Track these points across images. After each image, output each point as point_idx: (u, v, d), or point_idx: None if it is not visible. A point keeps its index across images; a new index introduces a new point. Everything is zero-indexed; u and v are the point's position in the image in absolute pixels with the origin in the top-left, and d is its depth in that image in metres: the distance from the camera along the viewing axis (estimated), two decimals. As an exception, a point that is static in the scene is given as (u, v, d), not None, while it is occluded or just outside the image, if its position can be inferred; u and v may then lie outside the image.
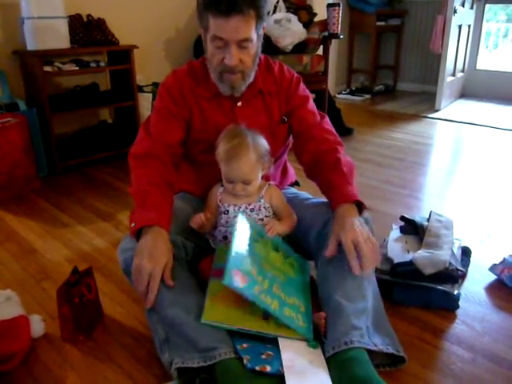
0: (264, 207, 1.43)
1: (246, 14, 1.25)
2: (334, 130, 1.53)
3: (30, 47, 2.71)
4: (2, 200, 2.48)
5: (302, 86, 1.54)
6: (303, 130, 1.50)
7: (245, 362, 1.14)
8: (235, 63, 1.31)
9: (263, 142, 1.38)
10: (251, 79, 1.41)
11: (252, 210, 1.41)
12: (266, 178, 1.52)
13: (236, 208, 1.41)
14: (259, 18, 1.30)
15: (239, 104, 1.45)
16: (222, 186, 1.45)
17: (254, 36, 1.31)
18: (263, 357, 1.16)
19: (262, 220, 1.42)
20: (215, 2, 1.24)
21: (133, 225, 1.29)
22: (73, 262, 1.82)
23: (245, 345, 1.20)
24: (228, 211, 1.42)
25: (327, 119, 1.55)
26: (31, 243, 2.05)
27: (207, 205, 1.46)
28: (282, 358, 1.14)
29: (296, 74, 1.54)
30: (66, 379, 1.28)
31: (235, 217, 1.40)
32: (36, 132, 2.75)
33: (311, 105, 1.54)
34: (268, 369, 1.12)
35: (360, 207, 1.35)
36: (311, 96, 1.57)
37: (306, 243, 1.44)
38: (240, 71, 1.35)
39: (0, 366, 1.27)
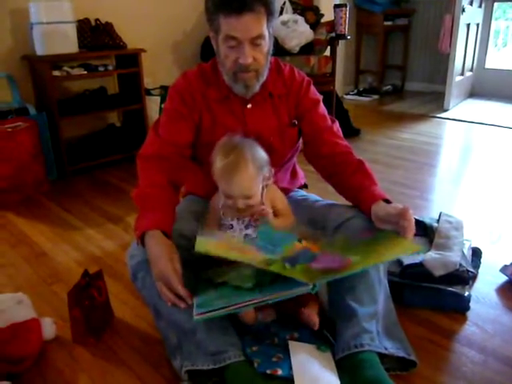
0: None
1: (257, 11, 1.25)
2: (342, 136, 1.53)
3: (39, 52, 2.74)
4: (13, 203, 2.50)
5: (313, 89, 1.53)
6: (314, 135, 1.49)
7: (255, 365, 1.14)
8: (250, 61, 1.30)
9: (261, 153, 1.32)
10: (264, 78, 1.40)
11: (257, 220, 1.37)
12: (274, 180, 1.51)
13: (240, 222, 1.36)
14: (270, 14, 1.30)
15: (249, 106, 1.45)
16: None
17: (265, 33, 1.31)
18: (274, 359, 1.16)
19: None
20: (226, 2, 1.24)
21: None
22: (83, 265, 1.83)
23: (254, 348, 1.20)
24: (232, 225, 1.36)
25: (337, 124, 1.54)
26: (41, 246, 2.06)
27: (210, 216, 1.41)
28: (292, 361, 1.14)
29: (307, 77, 1.53)
30: (77, 381, 1.29)
31: (241, 230, 1.35)
32: (45, 136, 2.77)
33: (322, 108, 1.53)
34: (279, 372, 1.12)
35: None
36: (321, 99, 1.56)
37: None
38: (254, 69, 1.34)
39: (12, 367, 1.29)
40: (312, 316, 1.25)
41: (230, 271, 1.25)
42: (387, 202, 1.33)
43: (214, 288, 1.20)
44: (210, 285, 1.22)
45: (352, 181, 1.40)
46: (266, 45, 1.34)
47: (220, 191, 1.34)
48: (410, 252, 1.14)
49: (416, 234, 1.78)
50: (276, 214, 1.38)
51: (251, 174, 1.27)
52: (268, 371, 1.12)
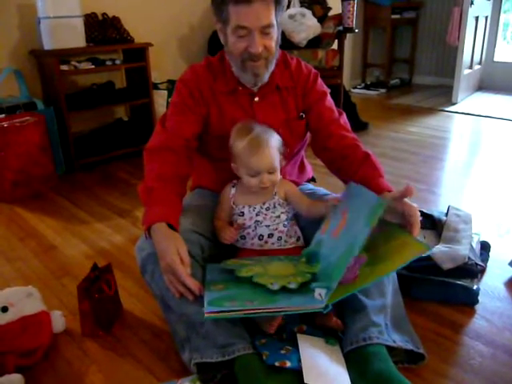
0: (279, 204, 1.42)
1: None
2: (350, 128, 1.52)
3: (46, 47, 2.75)
4: (21, 198, 2.52)
5: (320, 81, 1.53)
6: (321, 127, 1.49)
7: (264, 357, 1.15)
8: (260, 50, 1.31)
9: (275, 133, 1.38)
10: (273, 67, 1.40)
11: (267, 209, 1.40)
12: (283, 174, 1.52)
13: (251, 209, 1.40)
14: (278, 3, 1.30)
15: (256, 99, 1.45)
16: (234, 186, 1.44)
17: (274, 22, 1.31)
18: (282, 352, 1.16)
19: (279, 217, 1.40)
20: None
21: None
22: (91, 259, 1.84)
23: (263, 340, 1.21)
24: (243, 213, 1.41)
25: (344, 116, 1.54)
26: (50, 240, 2.08)
27: (219, 208, 1.45)
28: (301, 354, 1.14)
29: (314, 70, 1.53)
30: (87, 373, 1.30)
31: (251, 218, 1.39)
32: (53, 130, 2.78)
33: (329, 101, 1.53)
34: (288, 364, 1.12)
35: None
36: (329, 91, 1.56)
37: None
38: (264, 57, 1.34)
39: (22, 360, 1.30)
40: (336, 321, 1.25)
41: (254, 265, 1.26)
42: None
43: (234, 281, 1.22)
44: (230, 276, 1.24)
45: (358, 173, 1.40)
46: (275, 33, 1.34)
47: (242, 173, 1.37)
48: (417, 255, 1.12)
49: (424, 228, 1.80)
50: (294, 201, 1.43)
51: (274, 147, 1.34)
52: (277, 363, 1.12)
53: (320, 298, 1.11)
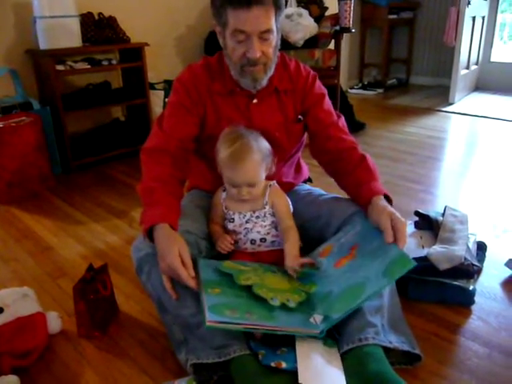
0: (269, 213, 1.40)
1: (266, 3, 1.25)
2: (348, 131, 1.52)
3: (42, 46, 2.74)
4: (18, 198, 2.51)
5: (318, 83, 1.52)
6: (319, 130, 1.48)
7: (260, 357, 1.14)
8: (258, 55, 1.30)
9: (264, 143, 1.36)
10: (272, 72, 1.39)
11: (257, 217, 1.39)
12: (279, 175, 1.52)
13: (241, 216, 1.39)
14: (278, 8, 1.30)
15: (255, 101, 1.44)
16: (224, 191, 1.43)
17: (274, 27, 1.30)
18: (278, 352, 1.16)
19: (270, 224, 1.40)
20: None
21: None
22: (87, 259, 1.84)
23: (259, 340, 1.20)
24: (234, 219, 1.40)
25: (343, 119, 1.53)
26: (47, 241, 2.07)
27: (213, 211, 1.45)
28: (297, 355, 1.14)
29: (312, 72, 1.52)
30: (83, 374, 1.29)
31: (241, 225, 1.39)
32: (50, 131, 2.77)
33: (327, 103, 1.52)
34: (283, 365, 1.12)
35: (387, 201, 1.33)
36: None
37: (323, 240, 1.41)
38: (262, 63, 1.33)
39: (18, 361, 1.29)
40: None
41: (250, 272, 1.28)
42: (387, 197, 1.33)
43: (230, 284, 1.23)
44: (225, 278, 1.25)
45: (352, 176, 1.40)
46: (274, 39, 1.33)
47: (224, 180, 1.36)
48: (402, 272, 1.14)
49: (421, 228, 1.80)
50: (277, 216, 1.40)
51: (256, 162, 1.31)
52: (272, 364, 1.12)
53: (314, 322, 1.16)
